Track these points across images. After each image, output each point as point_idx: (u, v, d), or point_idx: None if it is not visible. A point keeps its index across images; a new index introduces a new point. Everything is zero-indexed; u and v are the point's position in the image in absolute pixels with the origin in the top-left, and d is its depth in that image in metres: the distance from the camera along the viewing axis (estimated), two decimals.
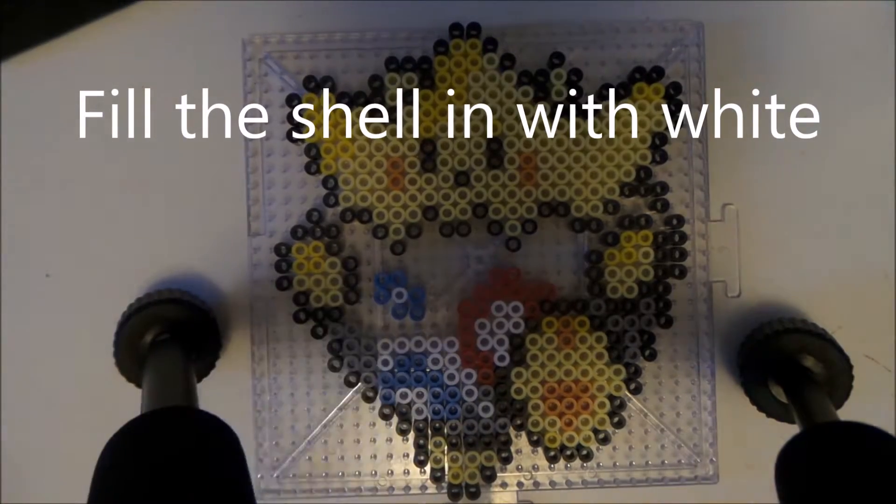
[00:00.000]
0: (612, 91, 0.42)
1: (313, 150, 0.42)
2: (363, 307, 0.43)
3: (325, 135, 0.42)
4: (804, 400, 0.39)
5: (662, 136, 0.42)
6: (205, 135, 0.43)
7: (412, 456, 0.43)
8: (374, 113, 0.42)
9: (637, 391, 0.43)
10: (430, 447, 0.43)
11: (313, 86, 0.42)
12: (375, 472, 0.43)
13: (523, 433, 0.43)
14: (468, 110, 0.42)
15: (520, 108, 0.42)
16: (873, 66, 0.44)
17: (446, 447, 0.43)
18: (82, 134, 0.43)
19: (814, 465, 0.34)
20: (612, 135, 0.42)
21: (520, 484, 0.43)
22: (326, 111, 0.42)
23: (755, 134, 0.44)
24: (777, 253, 0.44)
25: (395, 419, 0.43)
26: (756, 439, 0.44)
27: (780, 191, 0.44)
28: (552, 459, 0.43)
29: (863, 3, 0.44)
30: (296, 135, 0.42)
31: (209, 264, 0.44)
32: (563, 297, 0.43)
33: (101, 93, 0.43)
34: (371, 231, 0.42)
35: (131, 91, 0.43)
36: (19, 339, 0.44)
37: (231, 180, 0.43)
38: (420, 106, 0.42)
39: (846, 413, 0.40)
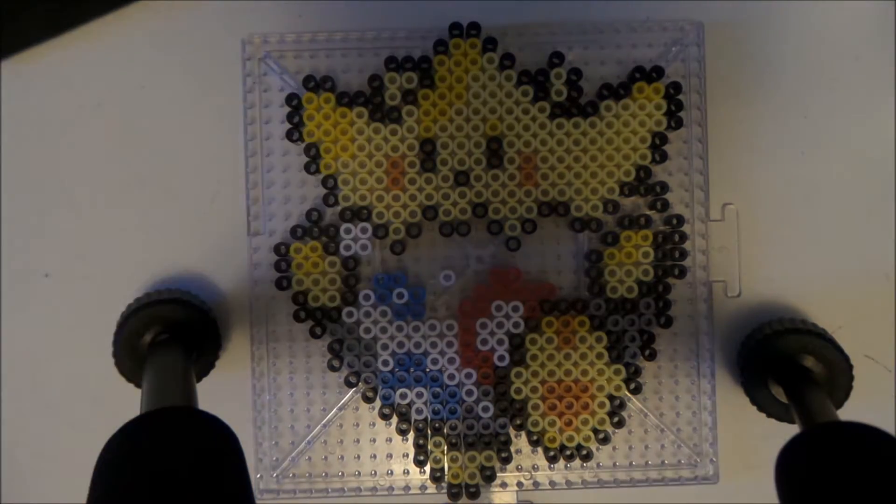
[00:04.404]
0: (611, 91, 0.42)
1: (313, 150, 0.42)
2: (362, 307, 0.43)
3: (325, 135, 0.42)
4: (804, 400, 0.39)
5: (662, 136, 0.42)
6: (204, 134, 0.43)
7: (412, 456, 0.43)
8: (374, 112, 0.42)
9: (637, 391, 0.43)
10: (429, 447, 0.43)
11: (313, 85, 0.42)
12: (375, 472, 0.43)
13: (523, 433, 0.43)
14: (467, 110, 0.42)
15: (520, 107, 0.42)
16: (873, 67, 0.44)
17: (446, 447, 0.43)
18: (82, 134, 0.43)
19: (814, 465, 0.34)
20: (612, 135, 0.42)
21: (519, 484, 0.43)
22: (326, 111, 0.42)
23: (755, 134, 0.44)
24: (777, 253, 0.44)
25: (394, 419, 0.43)
26: (756, 439, 0.44)
27: (780, 191, 0.44)
28: (552, 459, 0.43)
29: (863, 3, 0.44)
30: (295, 134, 0.42)
31: (209, 264, 0.44)
32: (562, 296, 0.43)
33: (100, 92, 0.43)
34: (371, 231, 0.42)
35: (131, 90, 0.43)
36: (19, 339, 0.44)
37: (230, 180, 0.43)
38: (420, 105, 0.42)
39: (846, 413, 0.40)
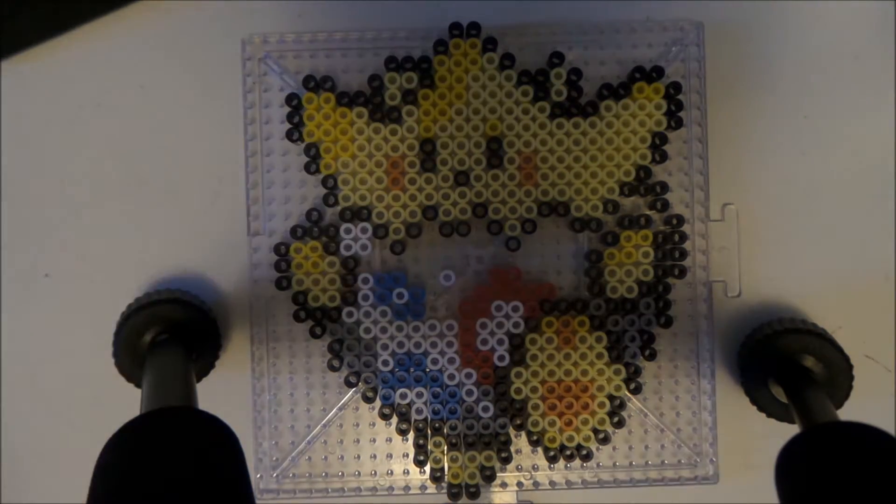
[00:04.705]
0: (611, 91, 0.42)
1: (313, 150, 0.42)
2: (362, 307, 0.43)
3: (325, 134, 0.42)
4: (804, 400, 0.39)
5: (662, 136, 0.42)
6: (204, 134, 0.43)
7: (412, 456, 0.43)
8: (374, 112, 0.42)
9: (637, 391, 0.43)
10: (429, 447, 0.43)
11: (313, 85, 0.42)
12: (375, 472, 0.43)
13: (523, 433, 0.43)
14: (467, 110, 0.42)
15: (520, 107, 0.42)
16: (873, 67, 0.44)
17: (446, 447, 0.43)
18: (82, 134, 0.43)
19: (814, 465, 0.34)
20: (612, 135, 0.42)
21: (519, 484, 0.43)
22: (326, 111, 0.42)
23: (755, 134, 0.44)
24: (777, 253, 0.44)
25: (394, 419, 0.43)
26: (756, 439, 0.44)
27: (780, 191, 0.44)
28: (552, 459, 0.43)
29: (863, 3, 0.44)
30: (295, 134, 0.42)
31: (209, 264, 0.44)
32: (562, 296, 0.43)
33: (100, 92, 0.43)
34: (371, 231, 0.42)
35: (131, 90, 0.43)
36: (19, 339, 0.44)
37: (231, 180, 0.43)
38: (420, 105, 0.42)
39: (846, 413, 0.40)
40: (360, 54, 0.43)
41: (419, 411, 0.43)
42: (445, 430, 0.43)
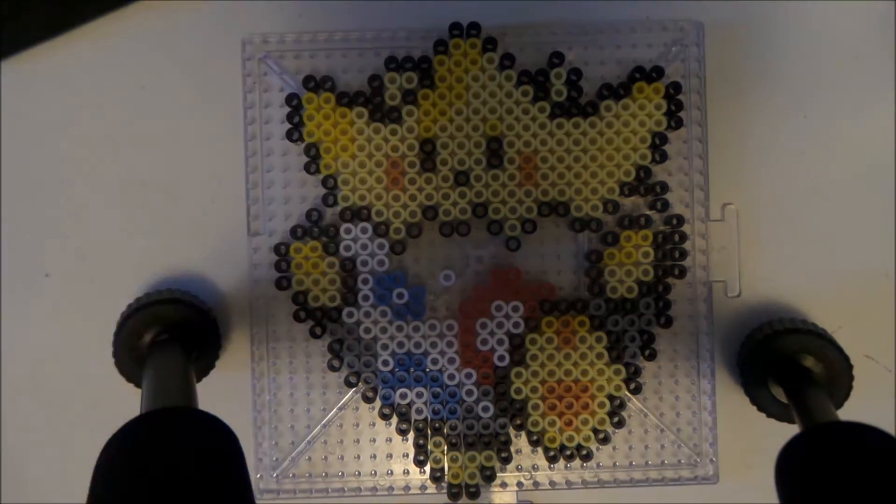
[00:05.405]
0: (611, 91, 0.42)
1: (313, 150, 0.42)
2: (362, 307, 0.43)
3: (325, 134, 0.42)
4: (804, 400, 0.39)
5: (662, 136, 0.42)
6: (204, 134, 0.43)
7: (412, 456, 0.43)
8: (374, 112, 0.42)
9: (637, 391, 0.43)
10: (429, 447, 0.43)
11: (313, 85, 0.42)
12: (375, 472, 0.43)
13: (523, 433, 0.43)
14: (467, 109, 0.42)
15: (520, 107, 0.42)
16: (873, 67, 0.44)
17: (446, 447, 0.43)
18: (82, 134, 0.43)
19: (814, 465, 0.34)
20: (612, 135, 0.42)
21: (519, 484, 0.43)
22: (326, 111, 0.42)
23: (755, 134, 0.44)
24: (777, 253, 0.44)
25: (394, 419, 0.43)
26: (756, 439, 0.44)
27: (780, 191, 0.44)
28: (552, 459, 0.43)
29: (863, 3, 0.44)
30: (295, 134, 0.42)
31: (209, 264, 0.44)
32: (562, 296, 0.43)
33: (101, 92, 0.43)
34: (371, 231, 0.42)
35: (131, 91, 0.43)
36: (19, 339, 0.44)
37: (231, 180, 0.43)
38: (420, 105, 0.42)
39: (846, 413, 0.40)
40: (360, 54, 0.43)
41: (419, 411, 0.43)
42: (445, 430, 0.43)
